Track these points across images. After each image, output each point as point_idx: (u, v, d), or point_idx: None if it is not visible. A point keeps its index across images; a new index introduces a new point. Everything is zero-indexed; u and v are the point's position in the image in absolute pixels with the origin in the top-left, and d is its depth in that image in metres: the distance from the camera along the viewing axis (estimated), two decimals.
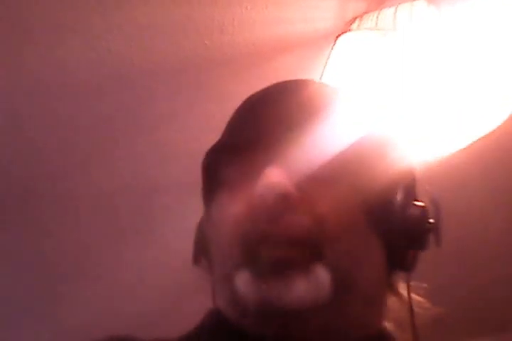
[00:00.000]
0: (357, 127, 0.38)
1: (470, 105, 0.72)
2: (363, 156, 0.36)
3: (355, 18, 0.77)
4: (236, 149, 0.38)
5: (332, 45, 0.78)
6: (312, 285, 0.33)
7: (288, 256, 0.33)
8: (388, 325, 0.40)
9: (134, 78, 0.80)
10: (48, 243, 1.11)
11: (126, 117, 0.87)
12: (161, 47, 0.76)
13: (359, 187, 0.36)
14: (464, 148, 0.79)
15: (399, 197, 0.37)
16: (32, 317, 1.31)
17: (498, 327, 1.55)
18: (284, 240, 0.34)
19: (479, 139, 0.77)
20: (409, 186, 0.39)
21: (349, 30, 0.76)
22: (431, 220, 0.38)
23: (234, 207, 0.36)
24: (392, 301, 0.40)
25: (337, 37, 0.77)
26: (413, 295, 0.39)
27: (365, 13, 0.77)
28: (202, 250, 0.42)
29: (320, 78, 0.77)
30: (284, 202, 0.33)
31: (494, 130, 0.76)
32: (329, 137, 0.36)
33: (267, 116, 0.37)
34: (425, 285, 0.41)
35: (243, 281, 0.34)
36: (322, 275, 0.33)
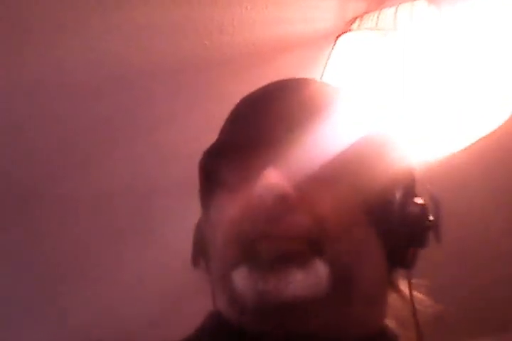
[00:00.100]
0: (357, 127, 0.38)
1: (471, 105, 0.72)
2: (363, 156, 0.36)
3: (355, 18, 0.77)
4: (235, 148, 0.37)
5: (332, 45, 0.77)
6: (310, 278, 0.33)
7: (287, 251, 0.33)
8: (390, 323, 0.40)
9: (133, 79, 0.80)
10: (48, 243, 1.11)
11: (126, 118, 0.87)
12: (160, 47, 0.76)
13: (359, 187, 0.35)
14: (465, 149, 0.79)
15: (399, 196, 0.37)
16: (32, 317, 1.31)
17: (499, 328, 1.55)
18: (284, 239, 0.33)
19: (480, 139, 0.77)
20: (409, 186, 0.39)
21: (349, 30, 0.76)
22: (431, 217, 0.38)
23: (233, 208, 0.36)
24: (393, 299, 0.40)
25: (337, 37, 0.77)
26: (415, 293, 0.39)
27: (366, 13, 0.76)
28: (200, 251, 0.42)
29: (320, 78, 0.77)
30: (283, 202, 0.33)
31: (495, 130, 0.75)
32: (330, 137, 0.36)
33: (268, 114, 0.37)
34: (426, 282, 0.41)
35: (241, 277, 0.34)
36: (321, 270, 0.33)
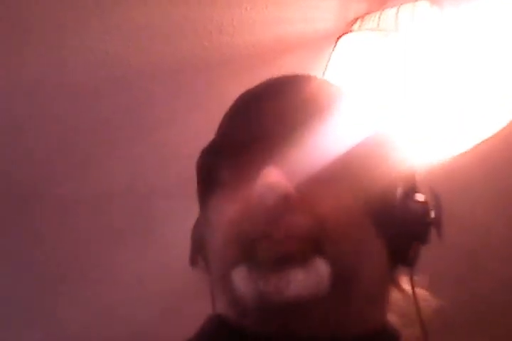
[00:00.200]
0: (359, 127, 0.38)
1: (473, 106, 0.71)
2: (364, 156, 0.36)
3: (356, 19, 0.77)
4: (233, 146, 0.37)
5: (333, 46, 0.77)
6: (311, 277, 0.33)
7: (287, 251, 0.33)
8: (392, 320, 0.40)
9: (133, 79, 0.80)
10: (48, 243, 1.11)
11: (125, 118, 0.87)
12: (159, 48, 0.76)
13: (360, 188, 0.35)
14: (468, 151, 0.78)
15: (399, 197, 0.37)
16: (32, 317, 1.31)
17: (499, 332, 1.55)
18: (284, 239, 0.33)
19: (483, 141, 0.76)
20: (410, 186, 0.39)
21: (350, 30, 0.76)
22: (432, 214, 0.38)
23: (232, 208, 0.35)
24: (395, 295, 0.40)
25: (338, 38, 0.77)
26: (417, 289, 0.39)
27: (367, 13, 0.76)
28: (199, 251, 0.41)
29: None
30: (283, 202, 0.33)
31: (498, 132, 0.75)
32: (331, 136, 0.36)
33: (268, 110, 0.36)
34: (427, 277, 0.41)
35: (241, 278, 0.34)
36: (321, 269, 0.33)
